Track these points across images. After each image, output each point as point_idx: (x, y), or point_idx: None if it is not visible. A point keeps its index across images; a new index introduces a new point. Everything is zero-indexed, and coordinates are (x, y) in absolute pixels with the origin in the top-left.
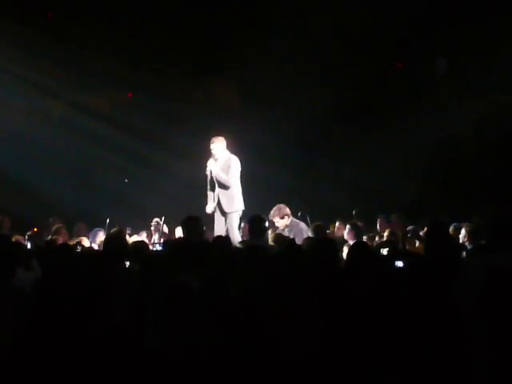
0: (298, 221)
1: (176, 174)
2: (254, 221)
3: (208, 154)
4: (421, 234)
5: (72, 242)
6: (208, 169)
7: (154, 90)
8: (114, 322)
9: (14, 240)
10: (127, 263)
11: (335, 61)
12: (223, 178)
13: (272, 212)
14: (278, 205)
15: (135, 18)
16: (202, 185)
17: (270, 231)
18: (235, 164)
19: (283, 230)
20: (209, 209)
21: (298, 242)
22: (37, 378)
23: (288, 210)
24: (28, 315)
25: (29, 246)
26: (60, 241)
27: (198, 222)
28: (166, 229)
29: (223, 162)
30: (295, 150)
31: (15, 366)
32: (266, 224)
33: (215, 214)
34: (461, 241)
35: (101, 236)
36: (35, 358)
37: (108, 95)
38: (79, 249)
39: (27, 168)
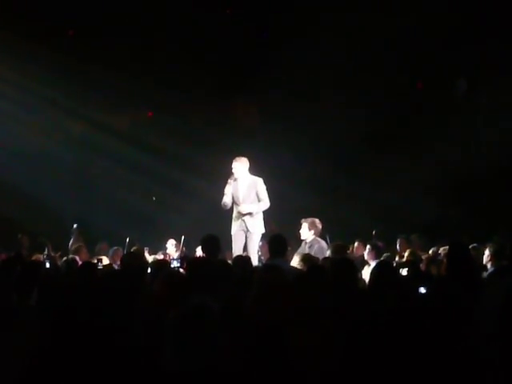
0: (319, 239)
1: (196, 193)
2: (274, 240)
3: (228, 175)
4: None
5: (93, 261)
6: (229, 195)
7: (174, 109)
8: (133, 341)
9: (32, 259)
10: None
11: (355, 82)
12: (255, 209)
13: (307, 218)
14: (315, 218)
15: (157, 38)
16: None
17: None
18: (264, 188)
19: (304, 245)
20: (232, 230)
21: None
22: None
23: (319, 228)
24: (46, 335)
25: (47, 265)
26: (80, 259)
27: (215, 241)
28: (184, 249)
29: (246, 184)
30: (314, 169)
31: None
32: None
33: (235, 233)
34: (484, 261)
35: (120, 255)
36: (55, 376)
37: (128, 114)
38: (100, 266)
39: (47, 187)
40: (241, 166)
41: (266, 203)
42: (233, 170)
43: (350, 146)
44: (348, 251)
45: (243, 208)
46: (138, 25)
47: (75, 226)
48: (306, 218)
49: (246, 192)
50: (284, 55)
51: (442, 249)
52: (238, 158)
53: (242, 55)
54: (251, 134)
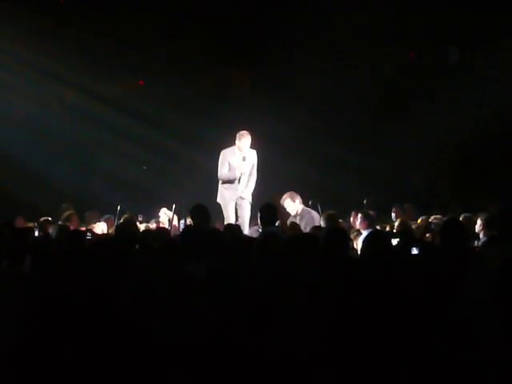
0: (309, 209)
1: (189, 163)
2: (265, 209)
3: (221, 144)
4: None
5: (83, 229)
6: (240, 167)
7: (166, 78)
8: (125, 308)
9: (24, 227)
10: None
11: (349, 53)
12: (252, 189)
13: (283, 196)
14: (288, 192)
15: (149, 6)
16: (213, 174)
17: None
18: (256, 160)
19: (294, 217)
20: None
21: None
22: (45, 363)
23: (299, 197)
24: (38, 302)
25: (36, 233)
26: (71, 227)
27: (205, 210)
28: (175, 217)
29: (248, 159)
30: (306, 138)
31: (24, 352)
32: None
33: (228, 201)
34: (476, 230)
35: (112, 223)
36: (44, 343)
37: (120, 83)
38: (89, 236)
39: (39, 155)
40: (248, 143)
41: (255, 177)
42: (240, 146)
43: (342, 117)
44: (341, 221)
45: (247, 195)
46: None
47: (119, 207)
48: (281, 198)
49: (247, 167)
50: (280, 26)
51: (432, 217)
52: (244, 134)
53: (236, 25)
54: (244, 104)
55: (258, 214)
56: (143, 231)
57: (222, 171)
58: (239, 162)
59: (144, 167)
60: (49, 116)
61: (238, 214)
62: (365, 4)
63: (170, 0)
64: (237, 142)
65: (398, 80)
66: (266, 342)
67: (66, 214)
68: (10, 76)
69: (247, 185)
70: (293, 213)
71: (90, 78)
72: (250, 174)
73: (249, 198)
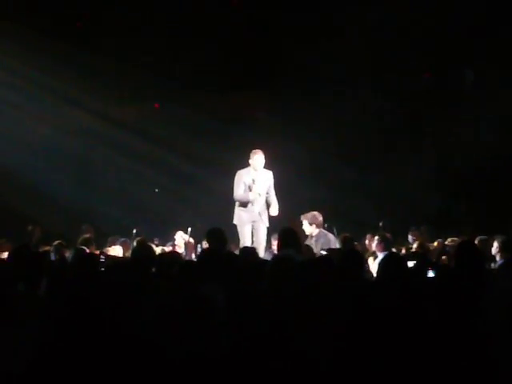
0: (326, 232)
1: (205, 185)
2: (285, 233)
3: (236, 166)
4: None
5: (97, 252)
6: (256, 185)
7: (180, 101)
8: (141, 331)
9: (41, 250)
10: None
11: (364, 76)
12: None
13: (306, 214)
14: (314, 211)
15: (165, 28)
16: (228, 196)
17: None
18: (272, 181)
19: (310, 238)
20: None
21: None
22: None
23: (320, 220)
24: (53, 326)
25: (52, 257)
26: (87, 251)
27: (221, 234)
28: (191, 240)
29: (264, 177)
30: (321, 160)
31: (39, 376)
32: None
33: (245, 224)
34: (493, 253)
35: (128, 246)
36: (60, 367)
37: (135, 105)
38: (103, 259)
39: (53, 178)
40: (262, 160)
41: (275, 197)
42: (254, 164)
43: (357, 138)
44: (356, 243)
45: (274, 213)
46: (146, 15)
47: (135, 231)
48: (304, 213)
49: (263, 186)
50: (294, 49)
51: (449, 239)
52: (257, 152)
53: (251, 47)
54: (259, 126)
55: (277, 237)
56: (159, 254)
57: (238, 191)
58: (253, 183)
59: (156, 190)
60: (63, 139)
61: (254, 237)
62: (378, 26)
63: (184, 23)
64: (250, 160)
65: (412, 102)
66: (280, 363)
67: (83, 237)
68: (23, 99)
69: (272, 204)
70: (307, 233)
71: (104, 101)
72: (269, 195)
73: (268, 219)
